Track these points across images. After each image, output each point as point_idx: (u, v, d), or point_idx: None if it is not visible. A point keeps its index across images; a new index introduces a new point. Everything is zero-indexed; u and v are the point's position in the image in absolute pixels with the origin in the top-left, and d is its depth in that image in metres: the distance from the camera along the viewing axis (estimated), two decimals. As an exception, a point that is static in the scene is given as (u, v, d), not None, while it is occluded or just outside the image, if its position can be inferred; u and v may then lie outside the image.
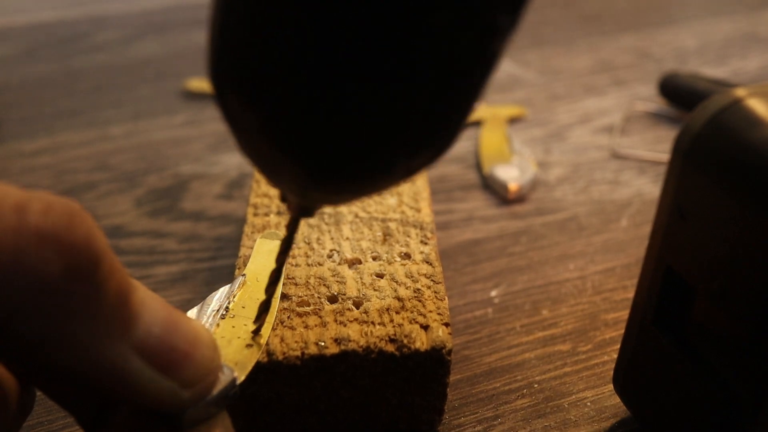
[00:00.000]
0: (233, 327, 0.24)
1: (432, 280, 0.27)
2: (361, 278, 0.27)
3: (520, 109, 0.52)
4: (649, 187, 0.43)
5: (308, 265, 0.28)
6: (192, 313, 0.25)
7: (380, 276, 0.27)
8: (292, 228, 0.22)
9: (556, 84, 0.57)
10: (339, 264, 0.28)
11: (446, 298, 0.26)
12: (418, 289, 0.27)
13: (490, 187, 0.43)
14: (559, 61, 0.60)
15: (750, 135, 0.20)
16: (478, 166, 0.45)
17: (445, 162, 0.46)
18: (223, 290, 0.26)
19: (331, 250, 0.29)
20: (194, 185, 0.44)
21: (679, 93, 0.51)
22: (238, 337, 0.24)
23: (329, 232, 0.30)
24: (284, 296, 0.26)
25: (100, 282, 0.17)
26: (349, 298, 0.26)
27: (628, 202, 0.42)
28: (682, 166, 0.22)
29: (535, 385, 0.30)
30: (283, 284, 0.27)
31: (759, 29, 0.67)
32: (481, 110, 0.51)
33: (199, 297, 0.35)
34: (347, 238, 0.29)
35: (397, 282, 0.27)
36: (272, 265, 0.28)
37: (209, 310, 0.25)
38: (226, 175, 0.45)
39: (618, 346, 0.32)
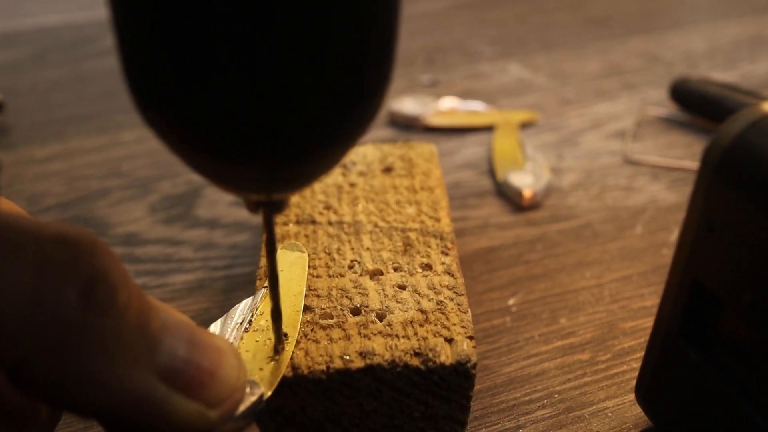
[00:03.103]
0: (257, 341, 0.24)
1: (454, 292, 0.27)
2: (383, 290, 0.27)
3: (532, 114, 0.52)
4: (663, 194, 0.43)
5: (329, 276, 0.28)
6: (215, 326, 0.24)
7: (402, 288, 0.27)
8: (269, 228, 0.22)
9: (566, 88, 0.57)
10: (360, 275, 0.28)
11: (469, 310, 0.26)
12: (441, 302, 0.27)
13: (504, 193, 0.43)
14: (569, 65, 0.60)
15: (780, 150, 0.20)
16: (491, 172, 0.45)
17: (459, 168, 0.46)
18: (246, 302, 0.26)
19: (352, 261, 0.29)
20: (208, 192, 0.43)
21: (691, 98, 0.51)
22: (263, 351, 0.24)
23: (349, 242, 0.30)
24: (307, 308, 0.26)
25: (119, 312, 0.16)
26: (372, 311, 0.26)
27: (642, 209, 0.42)
28: (710, 180, 0.22)
29: (556, 395, 0.30)
30: (306, 295, 0.27)
31: (767, 32, 0.67)
32: (492, 115, 0.51)
33: (216, 306, 0.35)
34: (367, 249, 0.29)
35: (419, 294, 0.27)
36: (295, 277, 0.28)
37: (233, 323, 0.25)
38: (239, 181, 0.44)
39: (637, 355, 0.32)
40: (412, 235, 0.30)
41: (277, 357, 0.24)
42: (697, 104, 0.51)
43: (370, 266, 0.28)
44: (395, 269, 0.28)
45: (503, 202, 0.43)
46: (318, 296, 0.27)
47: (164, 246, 0.39)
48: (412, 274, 0.28)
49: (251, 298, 0.26)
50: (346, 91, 0.18)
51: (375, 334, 0.25)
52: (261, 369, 0.23)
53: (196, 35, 0.16)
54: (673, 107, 0.53)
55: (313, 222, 0.31)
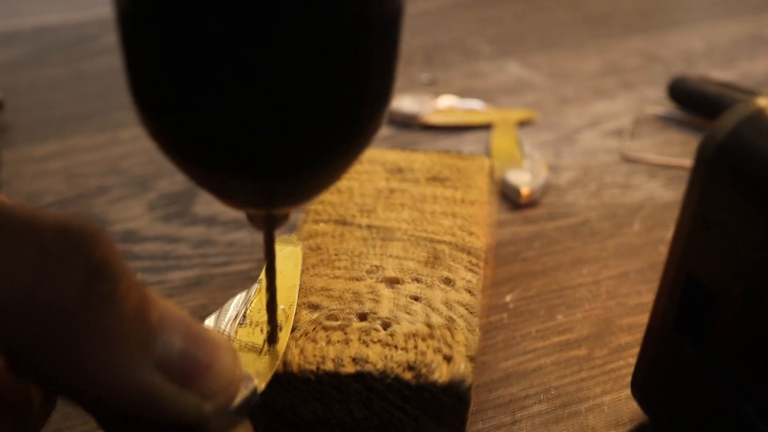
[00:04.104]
0: (250, 335, 0.24)
1: (468, 310, 0.26)
2: (396, 299, 0.27)
3: (530, 113, 0.52)
4: (661, 191, 0.43)
5: (348, 278, 0.27)
6: (210, 320, 0.25)
7: (416, 299, 0.27)
8: (269, 242, 0.22)
9: (564, 87, 0.57)
10: (378, 281, 0.27)
11: (478, 331, 0.26)
12: (451, 318, 0.26)
13: (501, 191, 0.43)
14: (568, 64, 0.60)
15: (773, 144, 0.20)
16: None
17: (456, 166, 0.46)
18: (240, 297, 0.26)
19: (374, 266, 0.28)
20: (206, 189, 0.44)
21: (689, 96, 0.51)
22: (256, 345, 0.24)
23: (377, 247, 0.29)
24: (315, 307, 0.26)
25: (118, 304, 0.16)
26: (378, 318, 0.26)
27: (639, 206, 0.42)
28: (705, 175, 0.22)
29: (552, 391, 0.30)
30: (319, 294, 0.27)
31: (766, 31, 0.67)
32: (490, 113, 0.51)
33: (214, 302, 0.35)
34: (394, 256, 0.29)
35: (431, 308, 0.26)
36: (288, 270, 0.28)
37: (227, 317, 0.25)
38: (237, 179, 0.45)
39: (634, 350, 0.32)
40: (442, 248, 0.29)
41: (271, 350, 0.24)
42: (695, 102, 0.51)
43: (391, 274, 0.28)
44: (415, 280, 0.28)
45: (501, 200, 0.43)
46: (330, 297, 0.27)
47: (162, 243, 0.39)
48: (430, 287, 0.27)
49: (245, 292, 0.26)
50: (345, 109, 0.18)
51: (375, 342, 0.25)
52: (255, 362, 0.23)
53: (194, 53, 0.16)
54: (671, 106, 0.53)
55: (346, 223, 0.31)
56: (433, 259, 0.29)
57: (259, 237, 0.39)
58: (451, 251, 0.29)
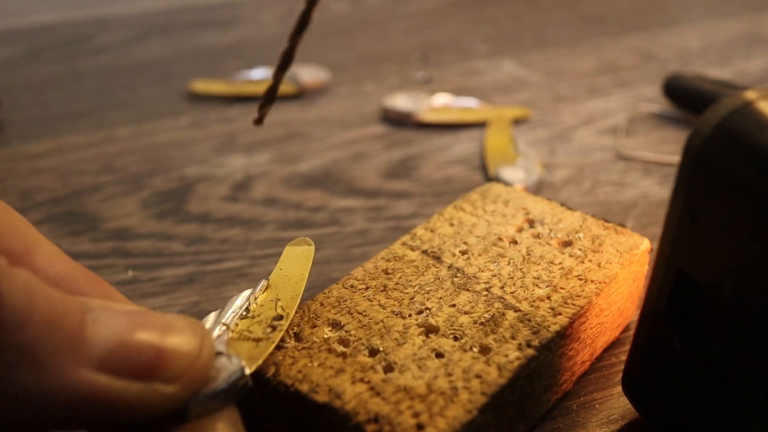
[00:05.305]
0: (250, 326, 0.24)
1: (481, 391, 0.23)
2: (420, 348, 0.24)
3: (525, 111, 0.52)
4: (655, 189, 0.43)
5: (392, 311, 0.26)
6: (210, 317, 0.25)
7: (439, 356, 0.24)
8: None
9: (560, 85, 0.57)
10: (417, 325, 0.25)
11: (476, 412, 0.22)
12: (456, 389, 0.23)
13: (495, 188, 0.43)
14: (563, 63, 0.60)
15: (761, 137, 0.20)
16: (483, 167, 0.46)
17: (451, 163, 0.46)
18: (245, 294, 0.26)
19: (426, 308, 0.26)
20: (200, 187, 0.44)
21: (684, 94, 0.51)
22: (254, 335, 0.24)
23: (444, 291, 0.27)
24: (337, 325, 0.25)
25: (23, 325, 0.16)
26: (386, 360, 0.24)
27: (633, 204, 0.42)
28: (692, 169, 0.22)
29: (544, 387, 0.30)
30: (351, 315, 0.26)
31: (762, 30, 0.67)
32: (485, 111, 0.51)
33: (207, 299, 0.35)
34: (454, 305, 0.26)
35: (448, 372, 0.23)
36: (298, 265, 0.28)
37: (229, 312, 0.25)
38: (231, 177, 0.45)
39: (625, 347, 0.32)
40: (510, 315, 0.26)
41: (268, 337, 0.24)
42: (690, 101, 0.51)
43: (434, 322, 0.25)
44: (453, 337, 0.25)
45: (495, 197, 0.43)
46: (359, 322, 0.25)
47: (155, 240, 0.39)
48: (463, 350, 0.24)
49: (250, 290, 0.26)
50: None
51: (364, 382, 0.23)
52: (251, 350, 0.23)
53: None
54: (666, 104, 0.53)
55: (436, 258, 0.29)
56: (491, 324, 0.25)
57: (252, 235, 0.39)
58: (517, 323, 0.25)
